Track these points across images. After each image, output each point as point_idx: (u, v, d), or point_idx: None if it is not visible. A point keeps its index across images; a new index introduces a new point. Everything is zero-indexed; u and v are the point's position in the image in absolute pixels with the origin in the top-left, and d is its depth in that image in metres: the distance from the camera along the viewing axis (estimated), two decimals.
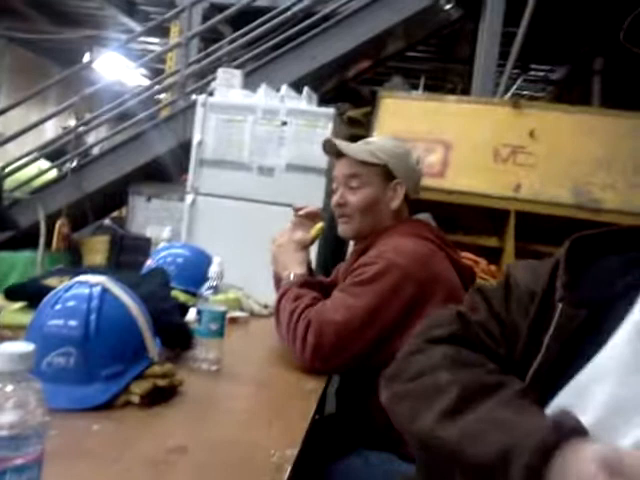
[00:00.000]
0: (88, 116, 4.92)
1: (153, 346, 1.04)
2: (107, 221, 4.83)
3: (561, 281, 0.76)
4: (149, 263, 1.82)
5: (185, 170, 3.60)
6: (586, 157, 3.08)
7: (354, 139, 1.72)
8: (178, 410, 1.00)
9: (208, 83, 4.34)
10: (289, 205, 1.72)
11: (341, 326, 1.28)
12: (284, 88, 3.51)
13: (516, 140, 3.16)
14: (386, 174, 1.49)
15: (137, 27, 7.46)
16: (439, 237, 1.47)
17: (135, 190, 4.37)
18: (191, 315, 1.34)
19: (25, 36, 7.94)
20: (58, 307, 0.98)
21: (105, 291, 1.00)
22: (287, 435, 0.94)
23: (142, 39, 8.08)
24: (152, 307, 1.12)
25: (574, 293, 0.74)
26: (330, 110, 3.40)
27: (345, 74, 5.14)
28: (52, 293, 1.02)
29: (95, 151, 5.07)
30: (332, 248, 3.35)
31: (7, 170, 4.79)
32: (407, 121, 3.28)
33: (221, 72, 3.62)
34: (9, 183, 5.00)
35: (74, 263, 4.31)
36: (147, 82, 6.89)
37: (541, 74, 7.71)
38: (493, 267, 3.01)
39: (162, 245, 1.96)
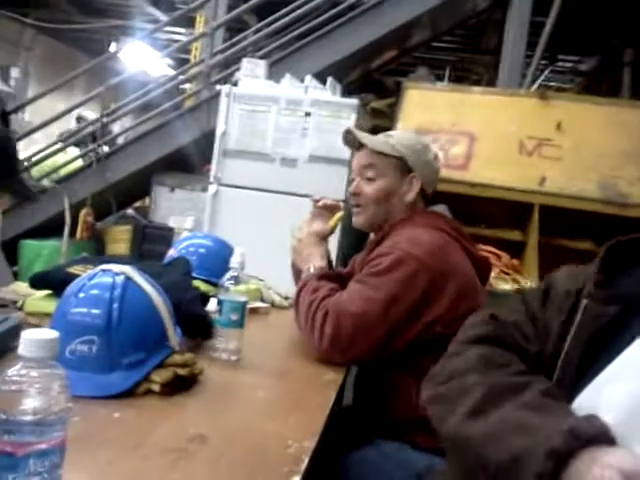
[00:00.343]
0: (113, 106, 4.97)
1: (174, 335, 1.05)
2: (130, 211, 4.88)
3: (592, 279, 0.76)
4: (171, 253, 1.84)
5: (208, 161, 3.61)
6: (614, 150, 3.02)
7: (377, 130, 1.74)
8: (198, 399, 1.01)
9: (232, 73, 4.35)
10: (308, 196, 1.74)
11: (358, 317, 1.29)
12: (308, 78, 3.50)
13: (542, 132, 3.10)
14: (403, 167, 1.50)
15: (163, 17, 7.49)
16: (454, 228, 1.47)
17: (158, 180, 4.41)
18: (212, 305, 1.35)
19: (54, 26, 8.02)
20: (82, 295, 0.99)
21: (128, 280, 1.01)
22: (305, 426, 0.94)
23: (168, 29, 8.12)
24: (174, 297, 1.13)
25: (603, 290, 0.74)
26: (354, 101, 3.39)
27: (369, 64, 5.10)
28: (76, 281, 1.03)
29: (120, 141, 5.12)
30: (352, 240, 3.35)
31: (34, 159, 4.87)
32: (432, 112, 3.24)
33: (245, 62, 3.63)
34: (36, 172, 5.08)
35: (98, 252, 4.37)
36: (172, 72, 6.92)
37: (569, 65, 7.57)
38: (516, 261, 2.97)
39: (184, 235, 1.98)
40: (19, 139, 5.16)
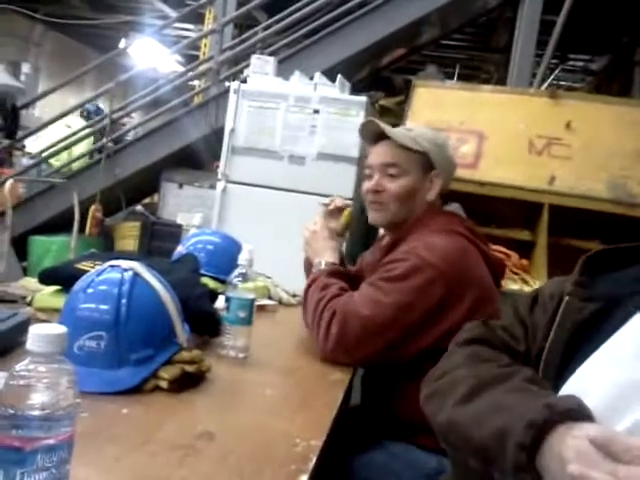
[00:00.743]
0: (122, 103, 4.98)
1: (182, 332, 1.05)
2: (139, 207, 4.90)
3: (572, 279, 0.81)
4: (179, 249, 1.84)
5: (217, 158, 3.61)
6: (624, 150, 3.00)
7: None
8: (206, 396, 1.01)
9: (241, 70, 4.35)
10: (320, 194, 1.72)
11: (366, 320, 1.27)
12: (317, 76, 3.50)
13: (552, 131, 3.08)
14: (425, 163, 1.46)
15: (172, 13, 7.51)
16: (471, 230, 1.44)
17: (167, 177, 4.42)
18: (220, 302, 1.35)
19: (64, 22, 8.06)
20: (90, 291, 0.99)
21: (136, 276, 1.01)
22: (313, 425, 0.94)
23: (177, 25, 8.14)
24: (182, 293, 1.13)
25: (583, 289, 0.79)
26: (363, 98, 3.38)
27: (379, 62, 5.09)
28: (84, 277, 1.03)
29: (129, 137, 5.14)
30: (362, 237, 3.34)
31: (44, 154, 4.90)
32: (441, 111, 3.23)
33: (255, 59, 3.62)
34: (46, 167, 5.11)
35: (106, 248, 4.39)
36: (181, 68, 6.93)
37: (580, 64, 7.53)
38: (525, 261, 2.96)
39: (192, 232, 1.98)
40: (28, 135, 5.19)
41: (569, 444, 0.60)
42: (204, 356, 1.08)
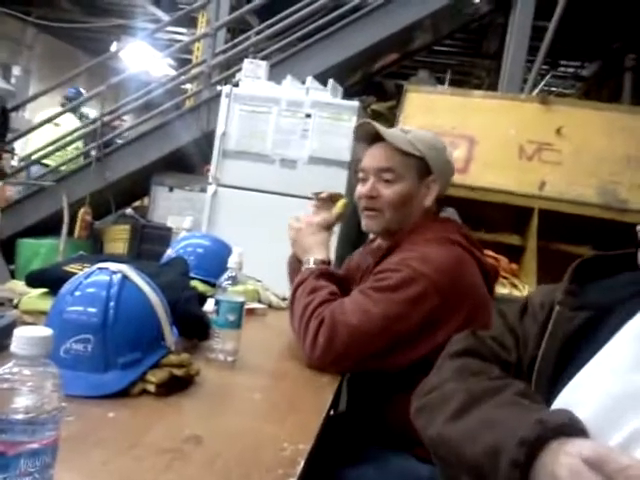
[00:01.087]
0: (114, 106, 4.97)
1: (170, 335, 1.05)
2: (129, 210, 4.88)
3: (562, 288, 0.80)
4: (169, 252, 1.83)
5: (208, 161, 3.61)
6: (614, 156, 3.02)
7: None
8: (194, 400, 1.00)
9: (234, 74, 4.35)
10: (311, 198, 1.68)
11: (355, 330, 1.24)
12: (309, 80, 3.50)
13: (542, 137, 3.10)
14: (422, 168, 1.41)
15: (165, 17, 7.49)
16: (466, 237, 1.40)
17: (157, 180, 4.41)
18: (209, 305, 1.34)
19: (56, 24, 8.02)
20: (78, 294, 0.98)
21: (125, 279, 1.01)
22: (301, 429, 0.93)
23: (169, 29, 8.13)
24: (171, 296, 1.12)
25: (573, 298, 0.78)
26: (355, 103, 3.38)
27: (371, 67, 5.10)
28: (72, 279, 1.02)
29: (120, 140, 5.12)
30: (353, 241, 3.34)
31: (34, 157, 4.87)
32: (432, 116, 3.24)
33: (247, 63, 3.62)
34: (36, 170, 5.08)
35: (95, 251, 4.37)
36: (173, 72, 6.91)
37: (571, 70, 7.58)
38: (514, 266, 2.96)
39: (183, 235, 1.97)
40: (18, 137, 5.16)
41: (562, 462, 0.60)
42: (193, 360, 1.07)
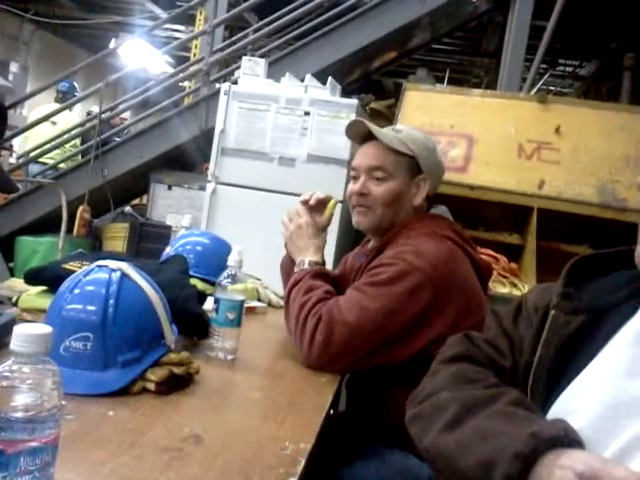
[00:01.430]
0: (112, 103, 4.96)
1: (170, 333, 1.04)
2: (128, 208, 4.87)
3: (556, 291, 0.79)
4: (168, 250, 1.82)
5: (206, 159, 3.60)
6: (613, 155, 3.02)
7: None
8: (193, 399, 1.00)
9: (232, 72, 4.34)
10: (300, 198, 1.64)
11: (352, 327, 1.24)
12: (308, 78, 3.49)
13: (541, 136, 3.10)
14: (412, 167, 1.43)
15: (163, 14, 7.48)
16: (458, 234, 1.41)
17: (156, 178, 4.40)
18: (209, 304, 1.33)
19: (53, 21, 8.01)
20: (77, 291, 0.98)
21: (124, 277, 1.00)
22: (302, 428, 0.93)
23: (167, 26, 8.11)
24: (170, 294, 1.12)
25: (569, 302, 0.77)
26: (353, 101, 3.37)
27: (370, 65, 5.10)
28: (71, 277, 1.02)
29: (118, 138, 5.11)
30: (351, 240, 3.34)
31: (32, 154, 4.86)
32: (431, 114, 3.24)
33: (245, 60, 3.61)
34: (34, 168, 5.06)
35: (94, 249, 4.37)
36: (171, 69, 6.90)
37: (569, 69, 7.58)
38: (513, 265, 2.96)
39: (182, 233, 1.96)
40: (16, 134, 5.15)
41: (557, 475, 0.59)
42: (192, 358, 1.06)
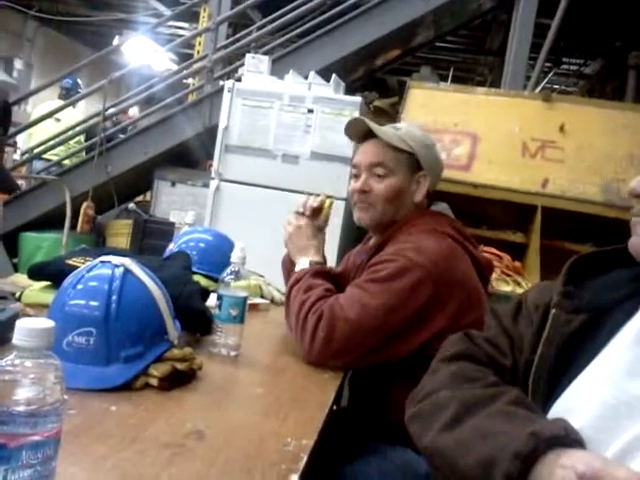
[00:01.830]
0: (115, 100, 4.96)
1: (173, 329, 1.04)
2: (131, 205, 4.88)
3: (557, 290, 0.79)
4: (171, 247, 1.82)
5: (210, 156, 3.60)
6: (617, 153, 3.01)
7: None
8: (196, 394, 1.00)
9: (236, 69, 4.34)
10: (313, 194, 1.66)
11: (354, 323, 1.24)
12: (312, 75, 3.49)
13: (545, 134, 3.09)
14: (412, 164, 1.44)
15: (167, 11, 7.48)
16: (459, 231, 1.42)
17: (160, 175, 4.40)
18: (212, 300, 1.33)
19: (57, 18, 8.01)
20: (80, 287, 0.98)
21: (127, 272, 1.00)
22: (304, 424, 0.93)
23: (171, 23, 8.11)
24: (173, 291, 1.12)
25: (570, 300, 0.77)
26: (357, 99, 3.37)
27: (373, 63, 5.09)
28: (74, 273, 1.02)
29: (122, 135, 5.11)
30: (353, 238, 3.33)
31: (36, 151, 4.87)
32: (435, 112, 3.23)
33: (249, 58, 3.61)
34: (37, 165, 5.07)
35: (98, 246, 4.37)
36: (175, 67, 6.90)
37: (574, 68, 7.56)
38: (517, 263, 2.96)
39: (185, 229, 1.97)
40: (20, 131, 5.16)
41: (558, 475, 0.59)
42: (195, 354, 1.06)
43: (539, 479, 0.61)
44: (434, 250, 1.31)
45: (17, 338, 0.55)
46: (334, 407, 1.09)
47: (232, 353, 1.22)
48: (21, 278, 1.51)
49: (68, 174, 4.53)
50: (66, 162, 5.04)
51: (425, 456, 0.80)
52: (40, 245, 4.35)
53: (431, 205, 1.53)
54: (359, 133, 1.49)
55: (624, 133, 3.04)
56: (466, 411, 0.74)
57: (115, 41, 7.90)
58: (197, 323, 1.25)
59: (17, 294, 1.34)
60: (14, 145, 6.81)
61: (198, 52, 5.75)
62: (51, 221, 4.39)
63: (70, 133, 5.04)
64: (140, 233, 4.29)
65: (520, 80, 3.96)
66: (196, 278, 1.54)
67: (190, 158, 4.43)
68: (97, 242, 4.50)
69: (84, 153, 5.01)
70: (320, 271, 1.44)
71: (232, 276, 1.24)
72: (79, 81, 6.37)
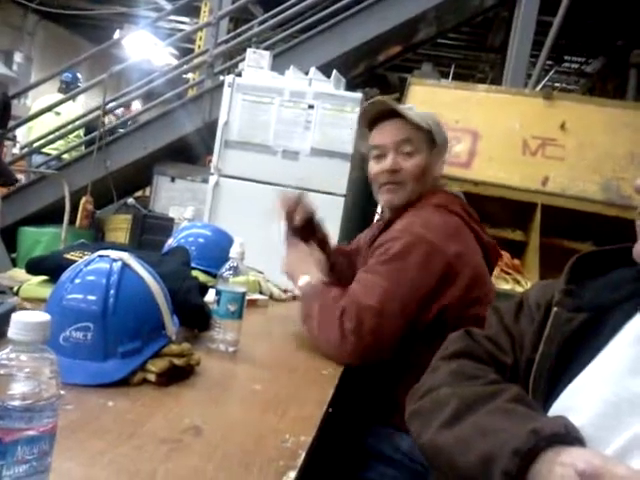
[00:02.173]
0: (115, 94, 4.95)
1: (171, 325, 1.04)
2: (130, 200, 4.87)
3: (559, 288, 0.79)
4: (170, 242, 1.82)
5: (210, 151, 3.59)
6: (617, 152, 3.01)
7: None
8: (194, 390, 1.00)
9: (237, 64, 4.32)
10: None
11: (378, 312, 1.23)
12: (312, 71, 3.48)
13: (546, 132, 3.09)
14: (429, 141, 1.45)
15: (167, 5, 7.46)
16: (468, 213, 1.44)
17: (159, 170, 4.39)
18: (210, 296, 1.33)
19: (57, 11, 7.99)
20: (78, 281, 0.97)
21: (125, 267, 0.99)
22: (302, 421, 0.93)
23: (172, 18, 8.09)
24: (172, 286, 1.11)
25: (571, 299, 0.77)
26: (358, 95, 3.36)
27: (374, 59, 5.08)
28: (72, 267, 1.01)
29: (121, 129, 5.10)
30: (358, 223, 3.33)
31: (35, 145, 4.85)
32: (435, 109, 3.19)
33: (250, 53, 3.60)
34: (37, 158, 5.06)
35: (97, 240, 4.36)
36: (175, 61, 6.88)
37: (575, 66, 7.55)
38: (517, 261, 2.96)
39: (184, 225, 1.96)
40: (20, 124, 5.15)
41: (557, 473, 0.59)
42: (193, 350, 1.06)
43: (538, 477, 0.61)
44: (441, 224, 1.34)
45: (12, 332, 0.55)
46: (330, 409, 1.08)
47: (230, 349, 1.22)
48: (19, 272, 1.50)
49: (67, 168, 4.52)
50: (65, 156, 5.03)
51: (424, 453, 0.80)
52: (39, 240, 4.34)
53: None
54: (372, 117, 1.48)
55: (625, 131, 3.04)
56: (466, 408, 0.74)
57: (115, 35, 7.86)
58: (195, 319, 1.25)
59: (15, 288, 1.34)
60: (13, 139, 6.79)
61: (199, 47, 5.74)
62: (50, 215, 4.38)
63: (70, 127, 5.03)
64: (139, 228, 4.29)
65: (521, 78, 3.95)
66: (195, 273, 1.54)
67: (190, 153, 4.42)
68: (96, 237, 4.49)
69: (83, 147, 4.99)
70: (328, 283, 1.41)
71: (231, 272, 1.23)
72: (79, 75, 6.35)
